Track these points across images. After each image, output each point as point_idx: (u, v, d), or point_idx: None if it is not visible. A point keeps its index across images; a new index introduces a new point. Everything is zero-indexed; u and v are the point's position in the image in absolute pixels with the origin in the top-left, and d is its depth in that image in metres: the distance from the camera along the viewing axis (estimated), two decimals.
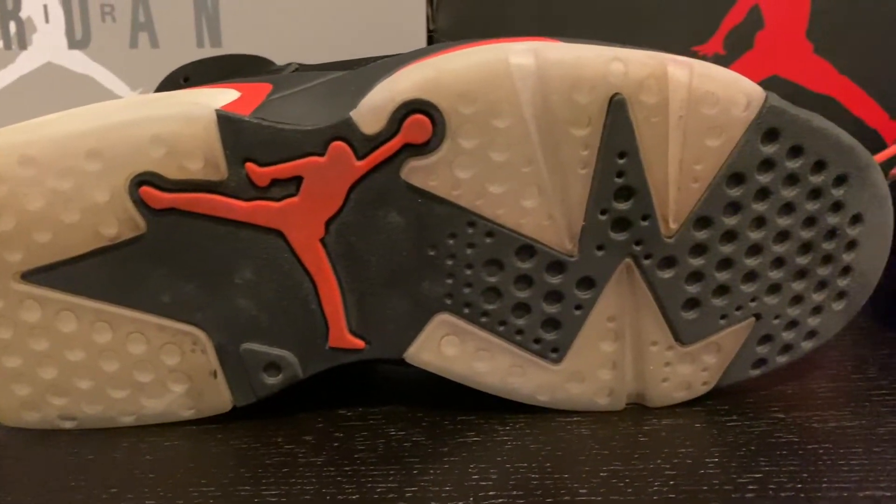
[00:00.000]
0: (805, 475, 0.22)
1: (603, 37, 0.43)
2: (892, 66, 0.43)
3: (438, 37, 0.42)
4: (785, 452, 0.23)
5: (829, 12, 0.43)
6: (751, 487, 0.21)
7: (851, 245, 0.25)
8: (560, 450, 0.23)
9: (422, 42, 0.42)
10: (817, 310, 0.26)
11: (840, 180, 0.24)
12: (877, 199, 0.25)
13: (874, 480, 0.21)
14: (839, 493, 0.21)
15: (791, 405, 0.26)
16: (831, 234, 0.25)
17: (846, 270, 0.25)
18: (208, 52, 0.41)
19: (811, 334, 0.26)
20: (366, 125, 0.22)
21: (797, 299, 0.25)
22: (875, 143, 0.43)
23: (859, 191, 0.24)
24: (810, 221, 0.24)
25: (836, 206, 0.24)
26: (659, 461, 0.22)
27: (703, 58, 0.44)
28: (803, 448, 0.23)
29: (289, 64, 0.31)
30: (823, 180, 0.24)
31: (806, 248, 0.25)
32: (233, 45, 0.41)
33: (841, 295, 0.26)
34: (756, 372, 0.26)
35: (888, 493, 0.21)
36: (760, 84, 0.43)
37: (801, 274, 0.25)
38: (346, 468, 0.22)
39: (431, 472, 0.22)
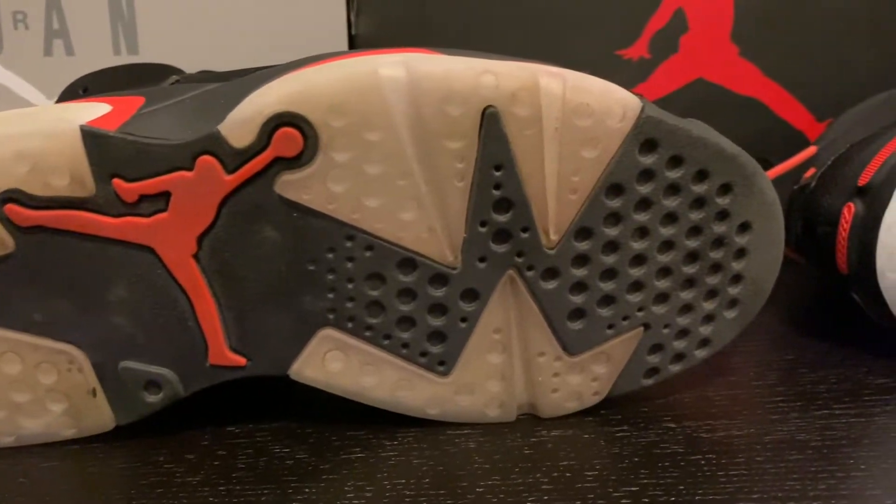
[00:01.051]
0: (681, 487, 0.21)
1: (526, 41, 0.44)
2: (817, 68, 0.43)
3: (360, 42, 0.41)
4: (667, 464, 0.23)
5: (753, 15, 0.43)
6: (624, 501, 0.21)
7: (741, 253, 0.25)
8: (442, 465, 0.23)
9: (343, 48, 0.42)
10: (709, 318, 0.26)
11: (725, 189, 0.24)
12: (765, 206, 0.25)
13: (748, 491, 0.21)
14: None
15: (684, 414, 0.26)
16: (718, 242, 0.25)
17: (737, 278, 0.25)
18: (125, 59, 0.41)
19: (704, 343, 0.26)
20: (234, 139, 0.22)
21: (687, 308, 0.25)
22: (801, 145, 0.43)
23: (746, 199, 0.24)
24: (695, 231, 0.24)
25: (722, 215, 0.24)
26: (538, 475, 0.22)
27: (629, 62, 0.44)
28: (686, 459, 0.23)
29: (198, 72, 0.31)
30: (707, 189, 0.24)
31: (693, 257, 0.25)
32: (150, 52, 0.41)
33: (733, 303, 0.26)
34: (648, 381, 0.26)
35: None
36: (685, 88, 0.44)
37: (690, 283, 0.25)
38: (221, 487, 0.22)
39: (306, 490, 0.22)
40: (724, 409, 0.26)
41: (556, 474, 0.22)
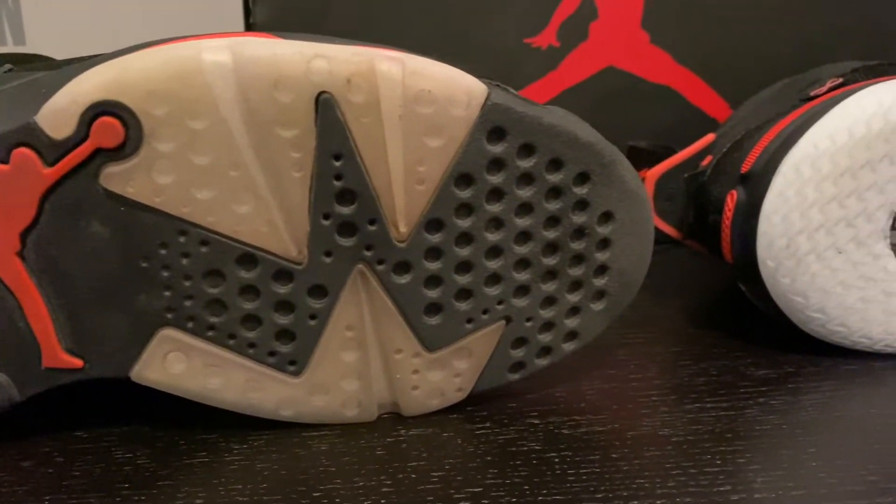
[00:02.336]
0: (526, 487, 0.21)
1: (432, 29, 0.43)
2: (728, 54, 0.43)
3: (258, 30, 0.40)
4: (519, 462, 0.22)
5: (663, 2, 0.42)
6: None
7: (604, 244, 0.24)
8: (287, 468, 0.22)
9: None
10: (575, 310, 0.25)
11: (582, 178, 0.23)
12: (627, 195, 0.24)
13: (594, 490, 0.20)
14: None
15: (551, 409, 0.25)
16: (579, 233, 0.24)
17: (602, 269, 0.25)
18: (11, 49, 0.39)
19: (571, 335, 0.25)
20: (52, 129, 0.20)
21: (550, 300, 0.24)
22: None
23: (605, 188, 0.24)
24: (553, 221, 0.23)
25: (581, 205, 0.24)
26: (383, 477, 0.21)
27: (538, 50, 0.43)
28: (540, 457, 0.22)
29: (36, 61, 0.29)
30: (562, 179, 0.23)
31: (552, 248, 0.24)
32: (38, 42, 0.39)
33: (600, 294, 0.25)
34: (515, 375, 0.25)
35: None
36: (596, 76, 0.43)
37: (551, 275, 0.24)
38: (46, 497, 0.21)
39: (135, 498, 0.21)
40: (594, 403, 0.25)
41: (401, 476, 0.21)
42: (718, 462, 0.22)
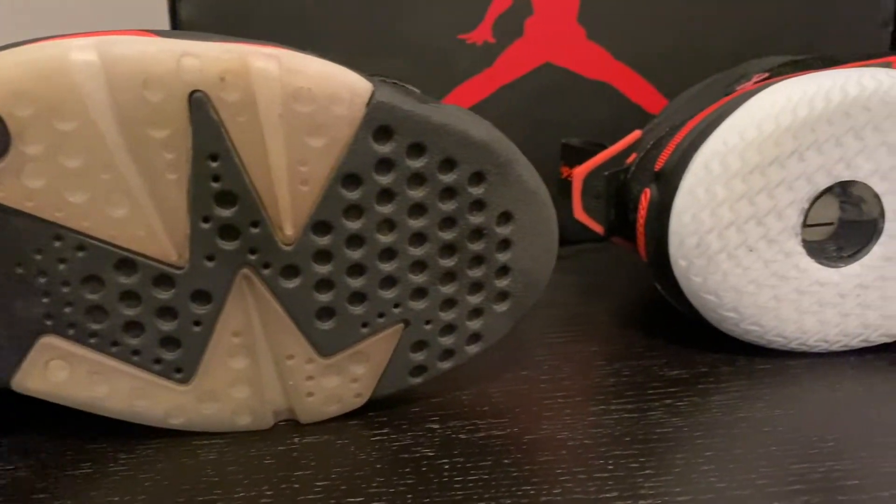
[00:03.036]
0: (410, 496, 0.20)
1: (363, 26, 0.42)
2: (667, 49, 0.42)
3: (183, 28, 0.39)
4: (408, 469, 0.21)
5: None
6: None
7: (505, 244, 0.24)
8: (169, 479, 0.21)
9: None
10: (477, 312, 0.24)
11: (477, 178, 0.23)
12: (526, 195, 0.23)
13: (478, 498, 0.20)
14: None
15: (453, 413, 0.24)
16: (477, 234, 0.23)
17: (504, 270, 0.24)
18: None
19: (475, 337, 0.25)
20: None
21: (449, 303, 0.24)
22: None
23: (502, 188, 0.23)
24: (449, 222, 0.23)
25: (478, 205, 0.23)
26: (265, 487, 0.21)
27: (473, 46, 0.43)
28: (431, 463, 0.22)
29: None
30: (456, 179, 0.22)
31: (450, 249, 0.23)
32: None
33: (503, 296, 0.24)
34: (416, 379, 0.25)
35: None
36: (533, 72, 0.43)
37: (450, 276, 0.24)
38: None
39: None
40: (498, 406, 0.25)
41: (283, 486, 0.21)
42: (610, 467, 0.21)
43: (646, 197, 0.28)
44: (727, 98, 0.29)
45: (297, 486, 0.21)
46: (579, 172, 0.36)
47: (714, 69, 0.38)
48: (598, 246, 0.39)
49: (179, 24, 0.39)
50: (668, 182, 0.28)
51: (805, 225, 0.28)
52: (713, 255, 0.27)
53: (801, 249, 0.27)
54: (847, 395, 0.25)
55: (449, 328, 0.24)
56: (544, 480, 0.21)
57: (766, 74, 0.32)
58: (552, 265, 0.25)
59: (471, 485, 0.21)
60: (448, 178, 0.22)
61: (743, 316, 0.27)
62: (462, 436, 0.23)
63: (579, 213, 0.35)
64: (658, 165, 0.28)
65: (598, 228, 0.34)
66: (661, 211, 0.28)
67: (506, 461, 0.22)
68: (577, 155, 0.38)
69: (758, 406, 0.24)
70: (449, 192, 0.23)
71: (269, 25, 0.40)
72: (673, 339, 0.29)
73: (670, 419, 0.24)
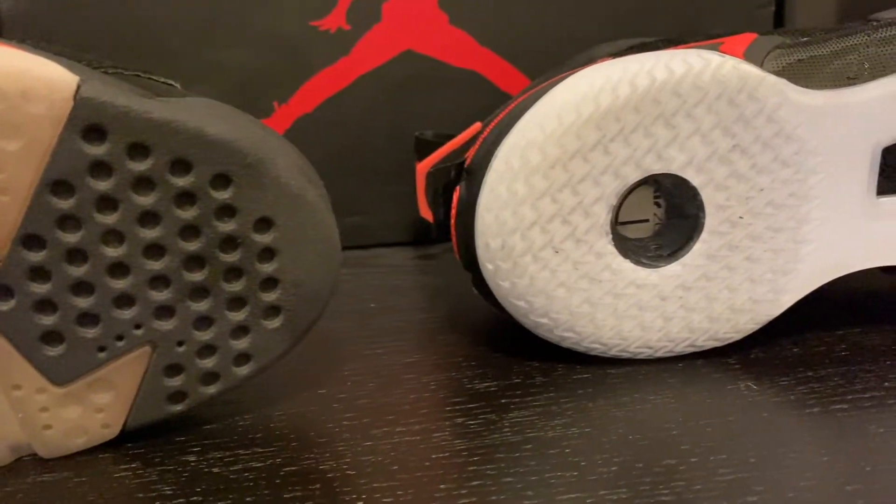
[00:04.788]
0: None
1: (201, 17, 0.39)
2: (535, 34, 0.40)
3: (6, 22, 0.36)
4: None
5: None
6: None
7: (268, 254, 0.21)
8: None
9: None
10: (242, 330, 0.22)
11: (221, 181, 0.20)
12: (288, 199, 0.21)
13: None
14: None
15: (219, 443, 0.22)
16: (230, 242, 0.21)
17: (271, 282, 0.22)
18: None
19: (243, 358, 0.22)
20: None
21: (205, 321, 0.21)
22: None
23: (255, 191, 0.21)
24: (192, 231, 0.20)
25: (227, 211, 0.20)
26: None
27: (326, 34, 0.40)
28: (165, 503, 0.20)
29: None
30: (194, 182, 0.20)
31: (197, 261, 0.21)
32: None
33: (273, 311, 0.22)
34: (178, 406, 0.22)
35: None
36: (394, 60, 0.40)
37: (202, 291, 0.21)
38: None
39: None
40: (273, 433, 0.22)
41: None
42: (360, 503, 0.19)
43: (456, 195, 0.26)
44: (543, 86, 0.27)
45: None
46: (422, 168, 0.34)
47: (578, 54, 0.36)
48: (439, 247, 0.37)
49: (1, 18, 0.37)
50: (474, 179, 0.25)
51: (619, 223, 0.26)
52: (518, 259, 0.24)
53: (612, 249, 0.25)
54: (656, 408, 0.23)
55: (209, 349, 0.22)
56: None
57: (612, 59, 0.30)
58: (334, 274, 0.22)
59: None
60: (183, 182, 0.20)
61: (556, 322, 0.25)
62: (215, 469, 0.21)
63: (424, 212, 0.33)
64: (468, 160, 0.26)
65: None
66: (468, 211, 0.25)
67: (248, 498, 0.19)
68: (428, 149, 0.36)
69: (554, 424, 0.22)
70: (187, 198, 0.20)
71: (98, 18, 0.37)
72: (499, 347, 0.27)
73: (453, 441, 0.22)
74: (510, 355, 0.27)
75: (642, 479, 0.19)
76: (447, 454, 0.21)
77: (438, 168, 0.30)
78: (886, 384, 0.24)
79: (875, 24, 0.27)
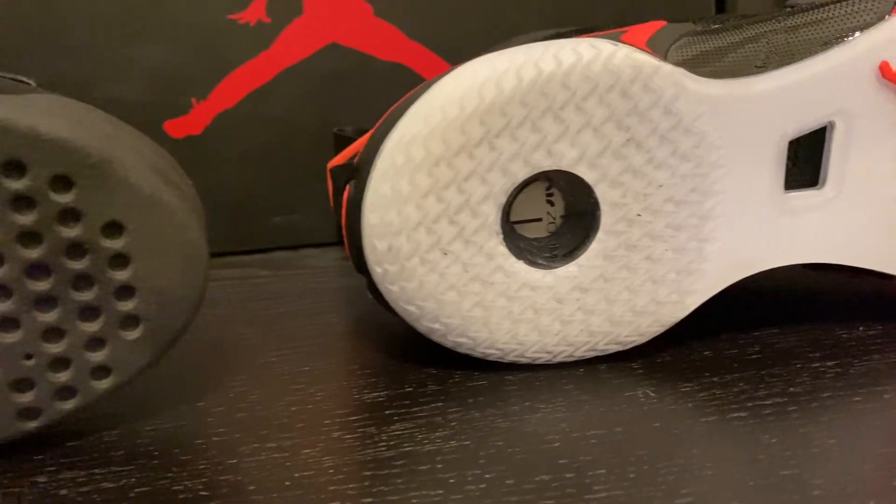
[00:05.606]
0: None
1: (116, 12, 0.38)
2: (463, 26, 0.39)
3: None
4: None
5: None
6: None
7: (121, 260, 0.20)
8: None
9: None
10: (98, 342, 0.20)
11: (61, 183, 0.19)
12: (139, 201, 0.20)
13: None
14: None
15: (77, 462, 0.20)
16: (77, 249, 0.19)
17: (127, 291, 0.20)
18: None
19: (102, 371, 0.21)
20: None
21: (55, 332, 0.20)
22: None
23: (101, 194, 0.19)
24: (31, 236, 0.19)
25: (70, 215, 0.19)
26: None
27: (246, 27, 0.39)
28: None
29: None
30: (30, 185, 0.19)
31: (40, 269, 0.19)
32: None
33: (132, 320, 0.20)
34: (32, 423, 0.21)
35: None
36: (318, 54, 0.39)
37: (48, 301, 0.20)
38: None
39: None
40: (136, 450, 0.21)
41: None
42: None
43: (346, 195, 0.25)
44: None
45: None
46: (330, 166, 0.32)
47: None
48: None
49: None
50: (361, 177, 0.24)
51: (511, 222, 0.25)
52: (405, 261, 0.23)
53: (504, 250, 0.23)
54: (544, 418, 0.22)
55: (62, 362, 0.20)
56: None
57: None
58: (199, 281, 0.21)
59: None
60: (17, 185, 0.18)
61: (448, 327, 0.24)
62: (63, 491, 0.19)
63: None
64: (357, 157, 0.25)
65: None
66: (356, 210, 0.24)
67: None
68: (346, 145, 0.35)
69: (434, 436, 0.21)
70: (23, 201, 0.19)
71: (8, 6, 0.36)
72: (398, 354, 0.26)
73: (321, 459, 0.20)
74: (409, 362, 0.25)
75: (509, 499, 0.18)
76: (311, 472, 0.20)
77: (337, 166, 0.29)
78: (792, 389, 0.23)
79: (789, 10, 0.26)
